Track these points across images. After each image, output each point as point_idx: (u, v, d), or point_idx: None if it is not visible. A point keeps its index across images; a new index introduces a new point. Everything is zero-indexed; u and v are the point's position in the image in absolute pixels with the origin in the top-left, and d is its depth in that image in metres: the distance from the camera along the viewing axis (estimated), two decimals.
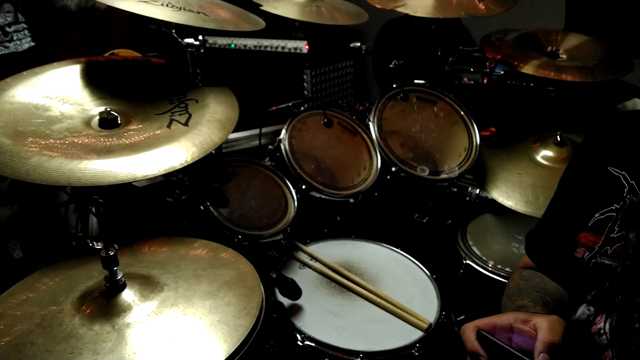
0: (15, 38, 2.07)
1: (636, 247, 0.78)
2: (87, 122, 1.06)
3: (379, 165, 1.81)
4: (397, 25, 2.78)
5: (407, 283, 1.46)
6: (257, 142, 2.08)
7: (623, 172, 0.89)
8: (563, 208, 1.02)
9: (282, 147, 1.73)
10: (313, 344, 1.23)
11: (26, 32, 2.13)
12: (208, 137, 1.06)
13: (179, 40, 1.59)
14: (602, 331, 0.83)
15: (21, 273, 1.98)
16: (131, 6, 1.15)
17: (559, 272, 1.00)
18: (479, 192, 1.81)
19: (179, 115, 1.12)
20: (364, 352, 1.21)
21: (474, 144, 1.83)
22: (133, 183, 0.95)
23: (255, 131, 2.09)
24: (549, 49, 1.85)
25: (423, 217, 1.89)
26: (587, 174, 0.96)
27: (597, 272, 0.88)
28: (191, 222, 1.58)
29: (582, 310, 0.90)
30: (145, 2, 1.20)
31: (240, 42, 2.59)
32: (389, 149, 1.82)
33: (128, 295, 0.92)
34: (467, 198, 1.83)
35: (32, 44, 2.15)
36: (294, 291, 1.33)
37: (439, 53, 2.14)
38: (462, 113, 1.89)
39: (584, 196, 0.94)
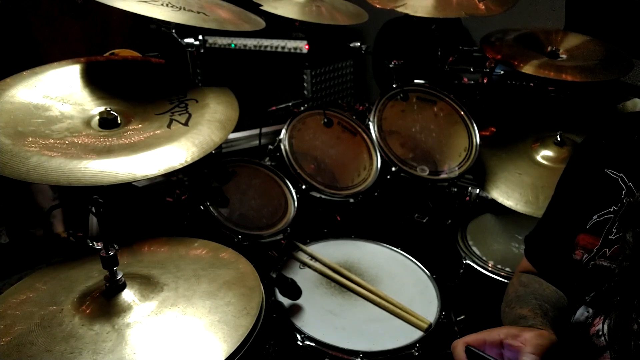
0: None
1: (633, 248, 0.78)
2: (87, 122, 1.06)
3: (379, 165, 1.81)
4: (397, 25, 2.78)
5: (407, 283, 1.46)
6: (257, 142, 2.08)
7: (621, 174, 0.89)
8: (561, 210, 1.02)
9: (282, 147, 1.73)
10: (313, 344, 1.23)
11: None
12: (208, 137, 1.06)
13: (179, 40, 1.59)
14: (600, 333, 0.83)
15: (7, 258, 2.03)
16: (131, 6, 1.15)
17: (558, 275, 1.00)
18: (479, 192, 1.81)
19: (179, 115, 1.12)
20: (364, 352, 1.21)
21: (474, 144, 1.83)
22: (133, 183, 0.95)
23: (255, 131, 2.09)
24: (549, 49, 1.85)
25: (423, 217, 1.89)
26: (585, 176, 0.96)
27: (595, 274, 0.88)
28: (191, 222, 1.58)
29: (581, 312, 0.90)
30: (145, 2, 1.20)
31: (240, 42, 2.59)
32: (389, 149, 1.82)
33: (128, 295, 0.92)
34: (467, 198, 1.83)
35: None
36: (294, 291, 1.33)
37: (439, 53, 2.14)
38: (462, 113, 1.89)
39: (582, 198, 0.94)
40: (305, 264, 1.52)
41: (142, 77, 1.27)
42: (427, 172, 1.80)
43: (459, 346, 0.81)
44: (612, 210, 0.88)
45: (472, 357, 0.79)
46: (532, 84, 2.01)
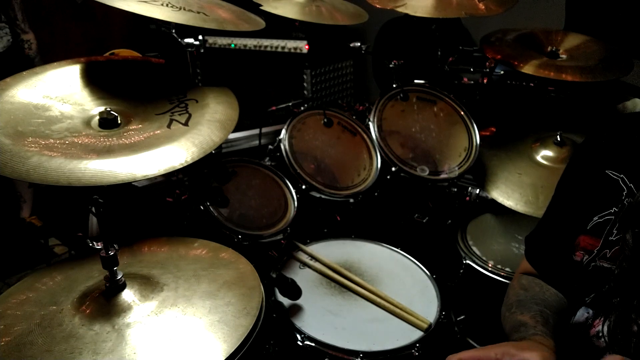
0: None
1: (632, 248, 0.78)
2: (87, 122, 1.06)
3: (379, 165, 1.81)
4: (397, 25, 2.78)
5: (407, 283, 1.46)
6: (257, 142, 2.08)
7: (621, 175, 0.89)
8: (562, 212, 1.01)
9: (282, 147, 1.73)
10: (313, 344, 1.23)
11: (7, 30, 2.16)
12: (208, 137, 1.06)
13: (179, 40, 1.59)
14: (600, 334, 0.83)
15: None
16: (131, 6, 1.15)
17: (558, 276, 1.00)
18: (479, 192, 1.81)
19: (179, 115, 1.12)
20: (364, 352, 1.21)
21: (474, 144, 1.83)
22: (133, 183, 0.95)
23: (255, 131, 2.09)
24: (549, 49, 1.85)
25: (423, 217, 1.89)
26: (586, 178, 0.96)
27: (596, 275, 0.88)
28: (191, 222, 1.58)
29: (581, 313, 0.90)
30: (145, 2, 1.20)
31: (240, 42, 2.59)
32: (389, 149, 1.82)
33: (128, 295, 0.92)
34: (467, 198, 1.83)
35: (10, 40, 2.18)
36: (294, 291, 1.33)
37: (439, 53, 2.14)
38: (462, 113, 1.89)
39: (583, 200, 0.94)
40: (305, 264, 1.52)
41: (142, 77, 1.27)
42: (427, 172, 1.80)
43: None
44: (612, 211, 0.88)
45: None
46: (532, 84, 2.01)
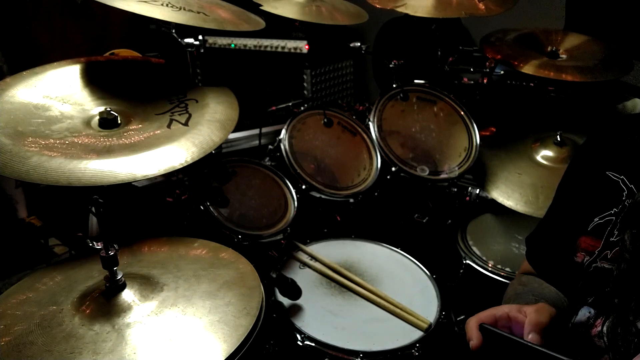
0: None
1: (630, 250, 0.78)
2: (87, 122, 1.06)
3: (379, 165, 1.81)
4: (397, 25, 2.78)
5: (407, 283, 1.46)
6: (257, 142, 2.08)
7: (622, 177, 0.89)
8: (562, 213, 1.01)
9: (282, 147, 1.73)
10: (313, 344, 1.23)
11: None
12: (208, 137, 1.06)
13: (179, 40, 1.59)
14: (601, 334, 0.83)
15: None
16: (131, 6, 1.15)
17: (559, 278, 1.00)
18: (479, 192, 1.81)
19: (179, 115, 1.13)
20: (364, 352, 1.21)
21: (474, 144, 1.83)
22: (133, 183, 0.95)
23: (255, 131, 2.09)
24: (549, 49, 1.85)
25: (423, 217, 1.89)
26: (586, 179, 0.96)
27: (597, 276, 0.88)
28: (191, 222, 1.58)
29: (583, 313, 0.90)
30: (145, 2, 1.20)
31: (240, 42, 2.59)
32: (389, 149, 1.82)
33: (128, 295, 0.92)
34: (467, 198, 1.83)
35: None
36: (294, 291, 1.33)
37: (439, 53, 2.14)
38: (462, 113, 1.89)
39: (583, 201, 0.94)
40: (305, 264, 1.52)
41: (142, 77, 1.27)
42: (427, 172, 1.80)
43: (471, 324, 0.82)
44: (613, 212, 0.88)
45: (487, 335, 0.80)
46: (532, 84, 2.01)
